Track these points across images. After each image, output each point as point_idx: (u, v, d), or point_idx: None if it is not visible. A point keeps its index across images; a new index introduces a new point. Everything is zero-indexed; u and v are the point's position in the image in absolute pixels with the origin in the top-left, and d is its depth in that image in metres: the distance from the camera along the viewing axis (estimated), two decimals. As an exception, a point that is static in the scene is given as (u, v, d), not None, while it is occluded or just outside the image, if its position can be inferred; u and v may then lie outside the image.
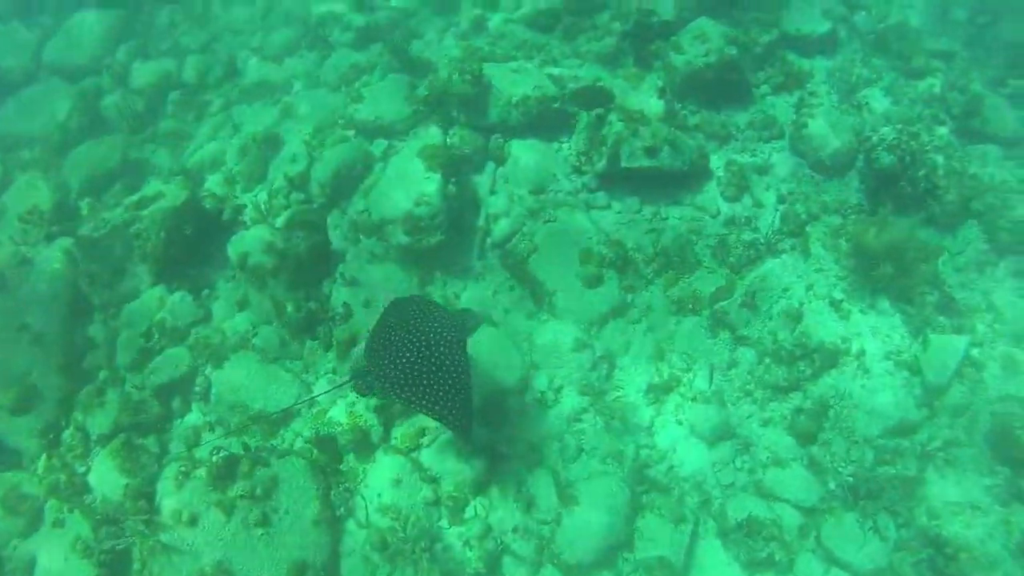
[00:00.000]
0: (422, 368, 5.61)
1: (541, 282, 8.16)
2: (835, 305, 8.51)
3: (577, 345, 8.31)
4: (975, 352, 8.50)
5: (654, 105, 9.68)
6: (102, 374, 8.95)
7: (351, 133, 10.57)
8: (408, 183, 9.01)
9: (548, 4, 12.11)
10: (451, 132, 10.02)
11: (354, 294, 8.81)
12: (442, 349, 5.72)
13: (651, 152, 9.00)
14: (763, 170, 9.93)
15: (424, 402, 5.52)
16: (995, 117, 10.67)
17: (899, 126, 10.07)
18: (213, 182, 10.61)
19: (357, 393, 6.16)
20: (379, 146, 10.44)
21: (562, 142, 10.18)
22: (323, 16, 12.63)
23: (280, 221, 8.77)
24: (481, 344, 8.01)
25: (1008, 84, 11.43)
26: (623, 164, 9.13)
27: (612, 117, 8.78)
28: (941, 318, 8.65)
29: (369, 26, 12.41)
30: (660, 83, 10.13)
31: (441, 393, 5.54)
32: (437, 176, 8.61)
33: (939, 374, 8.20)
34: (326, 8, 12.67)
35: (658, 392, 8.09)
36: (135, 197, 9.67)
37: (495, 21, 12.40)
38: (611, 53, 11.22)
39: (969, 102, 10.60)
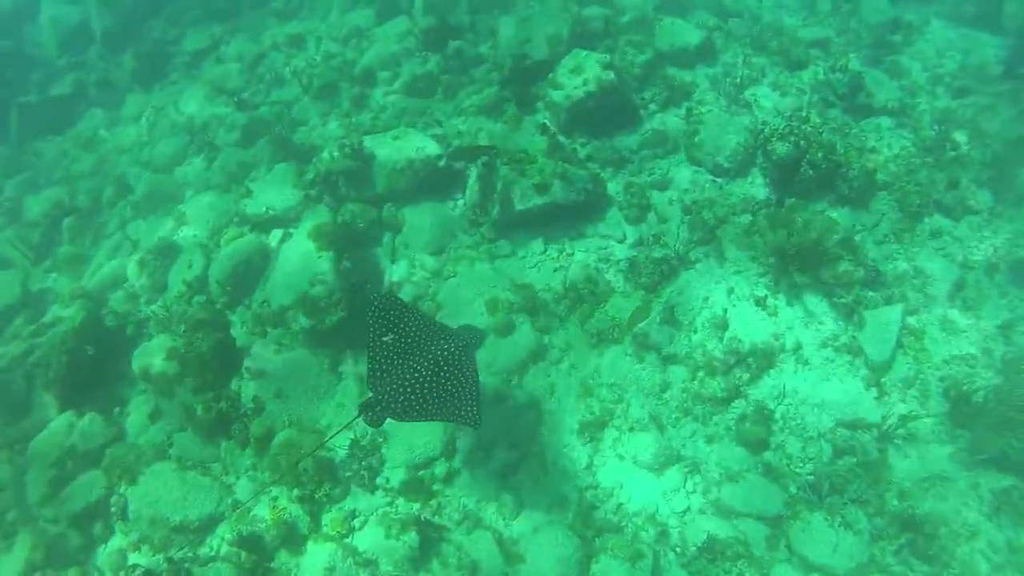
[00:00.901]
0: (433, 385, 5.74)
1: (449, 340, 7.87)
2: (760, 303, 8.49)
3: (496, 397, 8.07)
4: (912, 320, 8.52)
5: (538, 143, 9.82)
6: (10, 515, 8.62)
7: (246, 229, 10.67)
8: (302, 266, 8.99)
9: (424, 69, 12.41)
10: (343, 209, 9.98)
11: (263, 386, 8.68)
12: (451, 366, 5.86)
13: (542, 189, 9.08)
14: (663, 185, 10.09)
15: (438, 412, 5.66)
16: (880, 90, 11.07)
17: (788, 114, 10.31)
18: (116, 300, 10.68)
19: (370, 426, 6.05)
20: (276, 236, 10.54)
21: (457, 199, 10.22)
22: (207, 121, 13.13)
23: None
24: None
25: (883, 60, 11.90)
26: (517, 207, 9.14)
27: (498, 163, 8.75)
28: (871, 293, 8.64)
29: (252, 122, 12.79)
30: (541, 121, 10.28)
31: (452, 396, 5.67)
32: (329, 254, 8.73)
33: (881, 350, 8.19)
34: (209, 112, 13.20)
35: (592, 429, 7.87)
36: (32, 327, 9.79)
37: (375, 96, 12.64)
38: (493, 103, 11.46)
39: (852, 80, 10.98)
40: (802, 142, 9.58)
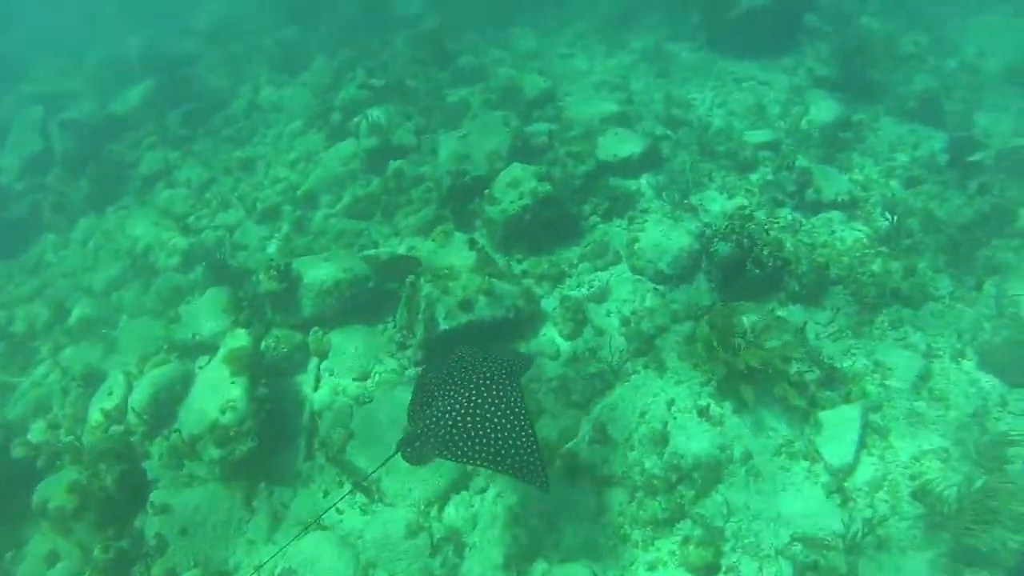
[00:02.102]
0: (474, 418, 5.48)
1: (362, 469, 7.68)
2: (703, 413, 8.33)
3: (409, 531, 7.71)
4: (875, 418, 8.25)
5: (464, 257, 9.97)
6: None
7: (172, 355, 10.87)
8: (214, 392, 8.95)
9: (365, 191, 12.91)
10: (267, 334, 10.04)
11: (168, 522, 8.43)
12: (493, 394, 5.64)
13: (466, 306, 9.14)
14: (601, 297, 10.11)
15: (486, 456, 5.32)
16: (829, 185, 11.35)
17: (731, 213, 10.52)
18: (36, 430, 10.69)
19: (409, 463, 5.83)
20: (203, 363, 10.60)
21: (388, 322, 10.26)
22: (149, 245, 13.74)
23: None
24: (306, 552, 7.57)
25: (835, 158, 12.34)
26: (441, 326, 9.15)
27: (420, 280, 8.85)
28: (827, 393, 8.42)
29: (193, 247, 13.47)
30: (469, 236, 10.52)
31: (502, 442, 5.34)
32: (243, 379, 8.82)
33: (841, 453, 7.92)
34: (153, 237, 13.82)
35: (519, 562, 7.43)
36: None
37: (316, 219, 13.14)
38: (430, 222, 11.78)
39: (800, 177, 11.28)
40: (745, 241, 9.70)
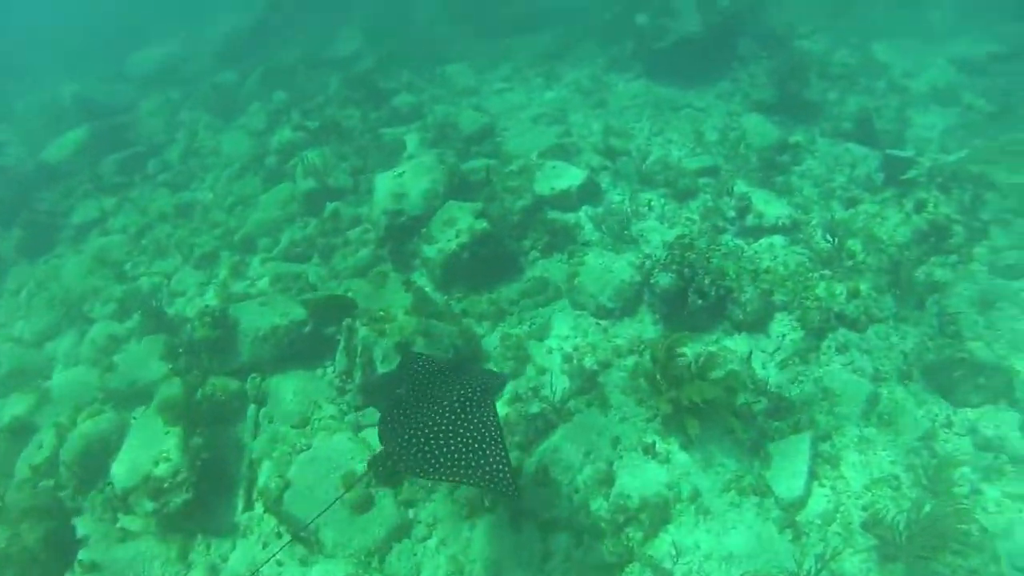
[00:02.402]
0: (447, 436, 5.52)
1: (300, 519, 7.37)
2: (649, 451, 8.15)
3: (351, 583, 7.36)
4: (825, 447, 8.14)
5: (401, 299, 9.74)
6: None
7: (108, 406, 10.46)
8: (148, 443, 8.59)
9: (303, 234, 12.89)
10: (204, 382, 9.67)
11: None
12: (468, 412, 5.69)
13: (403, 348, 8.86)
14: (543, 334, 9.90)
15: (457, 471, 5.33)
16: (770, 209, 11.39)
17: (670, 243, 10.46)
18: None
19: (381, 483, 5.90)
20: (138, 413, 10.15)
21: (327, 366, 9.96)
22: (83, 293, 13.49)
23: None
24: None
25: (774, 181, 12.40)
26: (379, 370, 8.85)
27: (357, 324, 8.58)
28: (775, 423, 8.29)
29: (128, 295, 13.15)
30: (405, 276, 10.30)
31: (473, 455, 5.37)
32: (177, 430, 8.65)
33: (792, 486, 7.78)
34: (87, 285, 13.61)
35: (464, 618, 7.07)
36: None
37: (254, 263, 13.20)
38: (368, 264, 11.60)
39: (739, 203, 11.29)
40: (686, 270, 9.62)
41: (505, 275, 11.21)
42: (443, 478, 5.42)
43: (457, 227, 10.97)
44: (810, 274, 10.52)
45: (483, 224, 10.74)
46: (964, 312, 9.64)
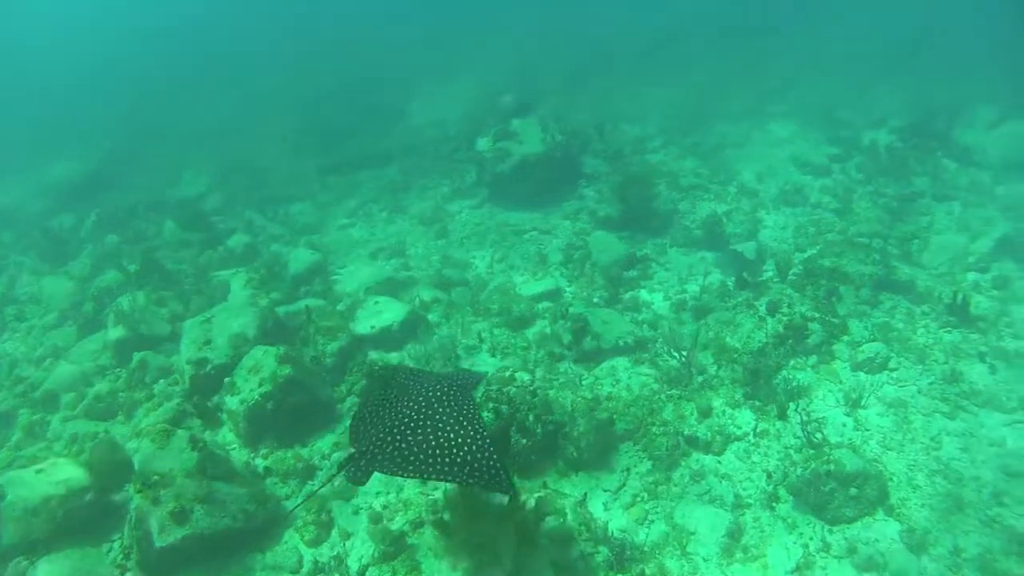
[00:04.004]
0: (426, 432, 5.41)
1: None
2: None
3: None
4: (675, 598, 7.01)
5: (184, 460, 8.42)
6: None
7: None
8: None
9: (109, 387, 11.92)
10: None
11: None
12: (444, 405, 5.62)
13: (180, 517, 7.54)
14: (350, 491, 8.69)
15: (440, 467, 5.20)
16: (610, 330, 11.03)
17: (488, 377, 9.66)
18: None
19: (353, 484, 5.56)
20: None
21: (114, 540, 8.40)
22: None
23: None
24: None
25: (620, 298, 11.98)
26: (157, 544, 7.45)
27: (131, 489, 7.29)
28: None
29: None
30: (190, 433, 9.08)
31: (456, 449, 5.26)
32: None
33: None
34: None
35: None
36: None
37: (54, 422, 11.74)
38: (172, 418, 10.58)
39: (576, 326, 10.85)
40: (504, 407, 8.71)
41: (319, 425, 10.13)
42: (426, 476, 5.30)
43: (261, 375, 9.99)
44: (656, 396, 9.78)
45: (287, 370, 9.90)
46: (829, 414, 9.10)
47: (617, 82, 25.21)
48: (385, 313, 12.10)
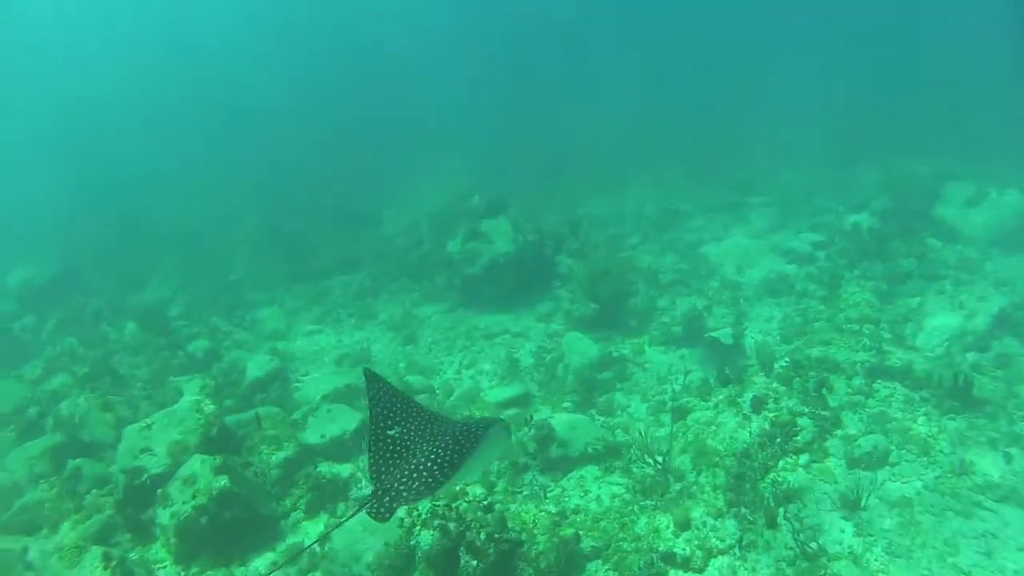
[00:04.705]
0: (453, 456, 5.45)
1: None
2: None
3: None
4: None
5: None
6: None
7: None
8: None
9: (39, 497, 11.05)
10: None
11: None
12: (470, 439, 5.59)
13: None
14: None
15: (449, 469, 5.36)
16: (579, 436, 10.51)
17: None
18: None
19: (378, 520, 5.26)
20: None
21: None
22: None
23: None
24: None
25: (595, 403, 11.29)
26: None
27: None
28: None
29: None
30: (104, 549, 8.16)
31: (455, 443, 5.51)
32: None
33: None
34: None
35: None
36: None
37: None
38: (100, 532, 9.86)
39: (540, 434, 10.24)
40: (452, 525, 7.73)
41: (258, 542, 9.31)
42: (445, 482, 5.34)
43: (195, 487, 9.32)
44: (629, 508, 8.78)
45: (223, 482, 9.26)
46: (824, 519, 8.08)
47: (592, 180, 25.12)
48: (338, 422, 11.34)
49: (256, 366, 14.18)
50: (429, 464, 5.47)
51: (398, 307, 17.60)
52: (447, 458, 5.47)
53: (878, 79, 30.33)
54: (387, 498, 5.40)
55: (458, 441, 5.62)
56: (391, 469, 5.67)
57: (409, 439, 5.91)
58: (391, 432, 5.95)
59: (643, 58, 41.71)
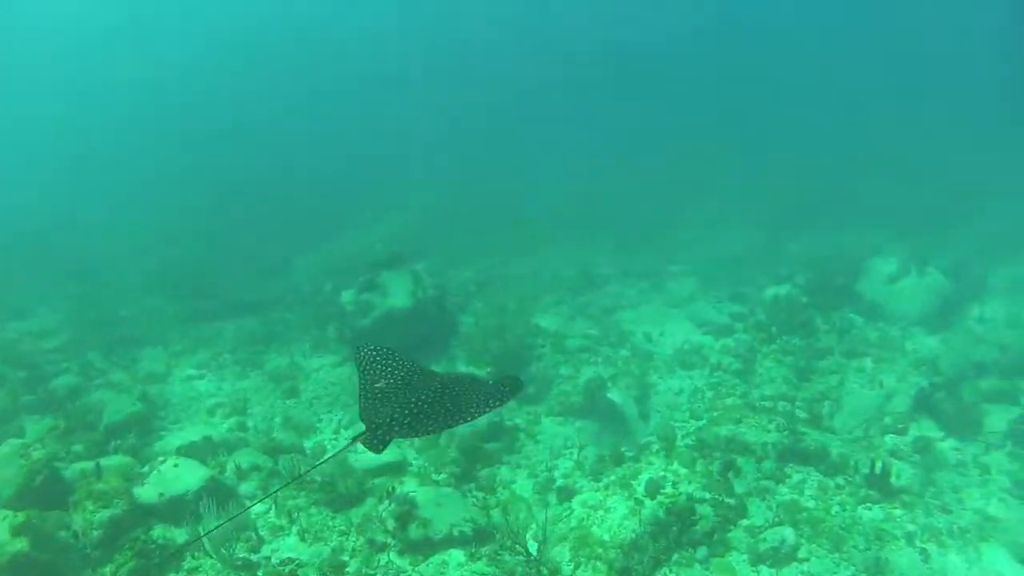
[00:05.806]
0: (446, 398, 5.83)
1: None
2: None
3: None
4: None
5: None
6: None
7: None
8: None
9: None
10: None
11: None
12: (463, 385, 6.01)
13: None
14: None
15: (461, 414, 5.67)
16: (442, 515, 9.09)
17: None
18: None
19: (373, 451, 5.70)
20: None
21: None
22: None
23: None
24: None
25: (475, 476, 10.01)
26: None
27: None
28: None
29: None
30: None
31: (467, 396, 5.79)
32: None
33: None
34: None
35: None
36: None
37: None
38: None
39: (401, 505, 8.67)
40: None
41: None
42: (448, 425, 5.64)
43: None
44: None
45: (21, 544, 8.13)
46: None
47: (521, 238, 24.27)
48: (183, 479, 9.86)
49: (115, 409, 12.73)
50: (422, 403, 5.78)
51: (285, 357, 16.13)
52: (441, 402, 5.77)
53: (817, 149, 30.66)
54: (380, 431, 5.65)
55: (453, 387, 5.94)
56: (380, 408, 5.95)
57: (398, 388, 6.22)
58: (378, 384, 6.30)
59: (593, 126, 41.76)
